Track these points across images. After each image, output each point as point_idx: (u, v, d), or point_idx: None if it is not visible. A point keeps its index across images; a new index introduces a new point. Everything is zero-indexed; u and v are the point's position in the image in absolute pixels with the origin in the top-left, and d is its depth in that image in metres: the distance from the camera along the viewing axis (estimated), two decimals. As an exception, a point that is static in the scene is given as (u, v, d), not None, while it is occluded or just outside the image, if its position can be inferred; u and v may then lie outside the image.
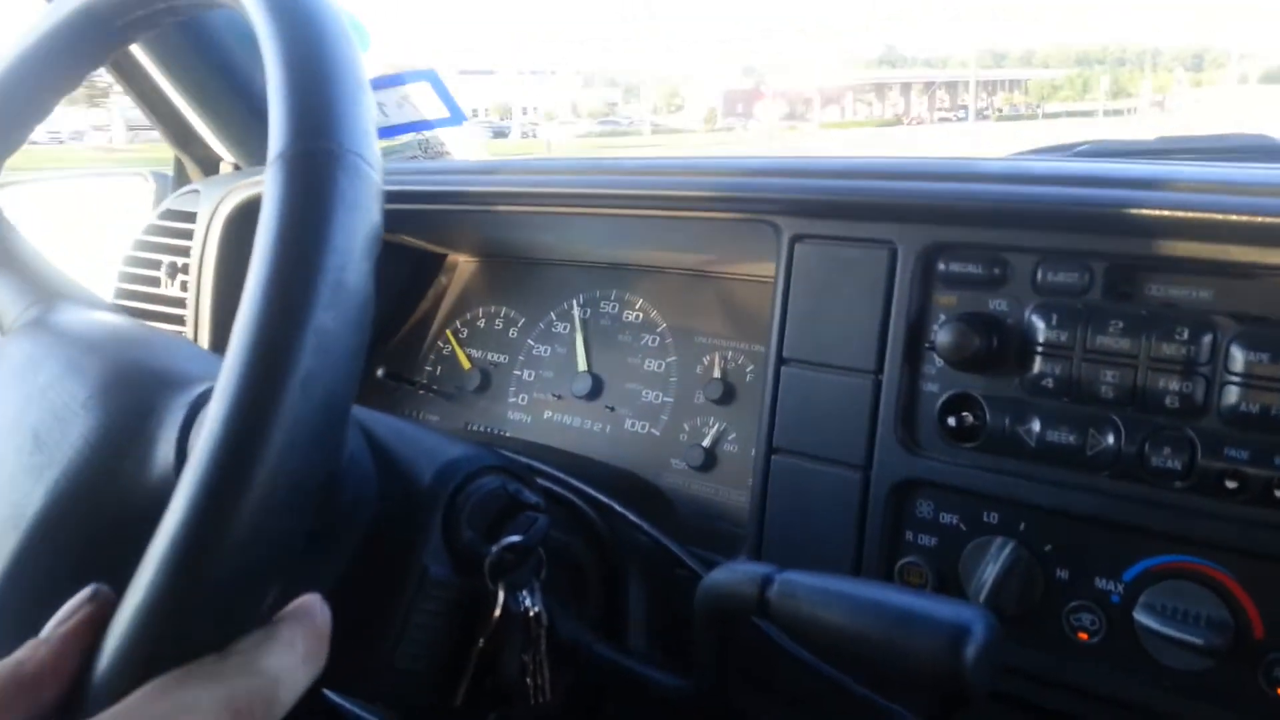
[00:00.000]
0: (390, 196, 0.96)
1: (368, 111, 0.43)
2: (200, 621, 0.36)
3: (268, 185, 0.39)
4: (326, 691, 0.80)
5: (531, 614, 0.61)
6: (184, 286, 1.06)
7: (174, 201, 1.09)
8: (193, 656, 0.35)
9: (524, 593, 0.61)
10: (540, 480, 0.79)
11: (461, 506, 0.59)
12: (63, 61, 0.61)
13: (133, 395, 0.56)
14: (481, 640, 0.60)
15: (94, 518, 0.53)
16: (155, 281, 1.09)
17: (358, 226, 0.40)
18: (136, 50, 1.01)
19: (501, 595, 0.59)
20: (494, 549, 0.59)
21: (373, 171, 0.41)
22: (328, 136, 0.40)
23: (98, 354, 0.59)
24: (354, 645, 0.58)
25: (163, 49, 1.00)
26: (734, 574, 0.55)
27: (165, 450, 0.52)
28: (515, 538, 0.60)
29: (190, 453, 0.37)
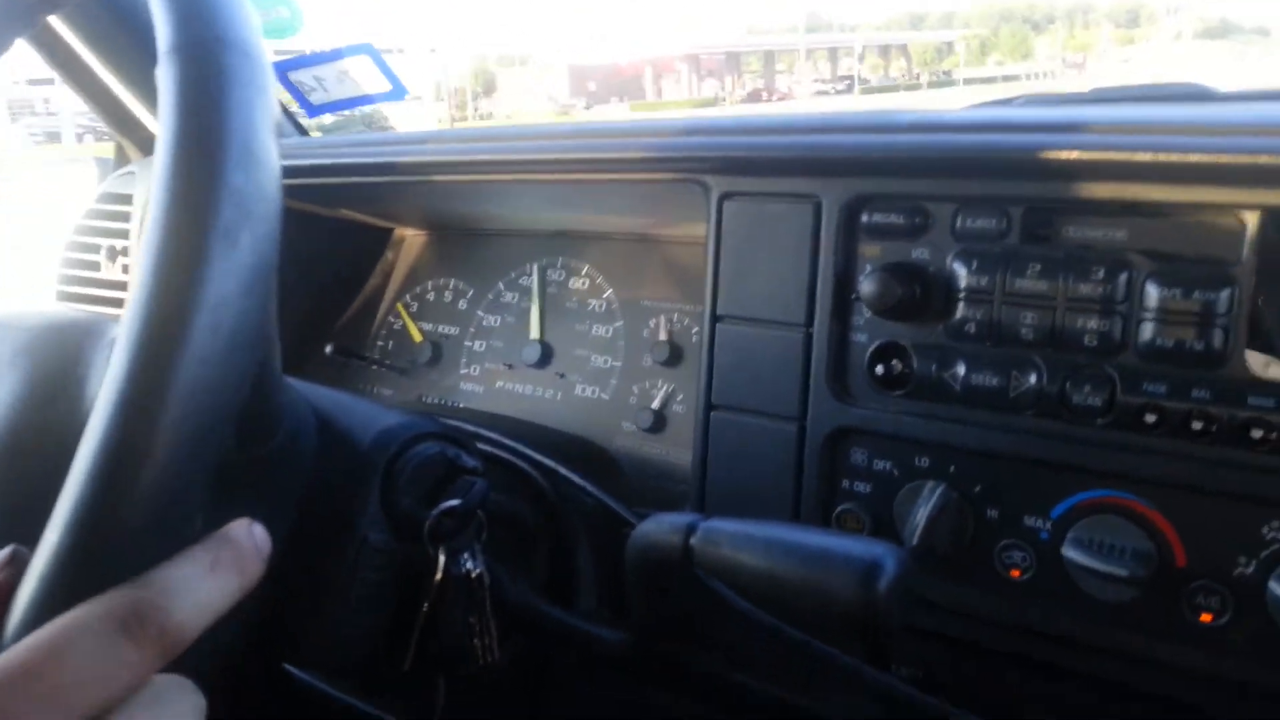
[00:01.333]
0: (330, 170, 0.96)
1: (246, 6, 0.43)
2: (118, 552, 0.36)
3: (161, 79, 0.39)
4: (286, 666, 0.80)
5: (473, 576, 0.62)
6: (125, 269, 1.05)
7: (111, 184, 1.08)
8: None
9: (465, 556, 0.62)
10: (484, 446, 0.80)
11: (399, 473, 0.60)
12: None
13: (58, 346, 0.56)
14: (426, 605, 0.60)
15: (29, 470, 0.53)
16: (96, 266, 1.08)
17: (255, 99, 0.40)
18: (68, 33, 1.00)
19: (442, 559, 0.60)
20: (432, 514, 0.59)
21: (260, 57, 0.42)
22: (213, 25, 0.40)
23: (20, 320, 0.59)
24: (296, 615, 0.58)
25: (91, 28, 0.99)
26: (660, 524, 0.56)
27: (94, 391, 0.52)
28: (454, 502, 0.60)
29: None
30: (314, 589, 0.58)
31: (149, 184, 0.40)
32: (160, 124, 0.38)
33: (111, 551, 0.35)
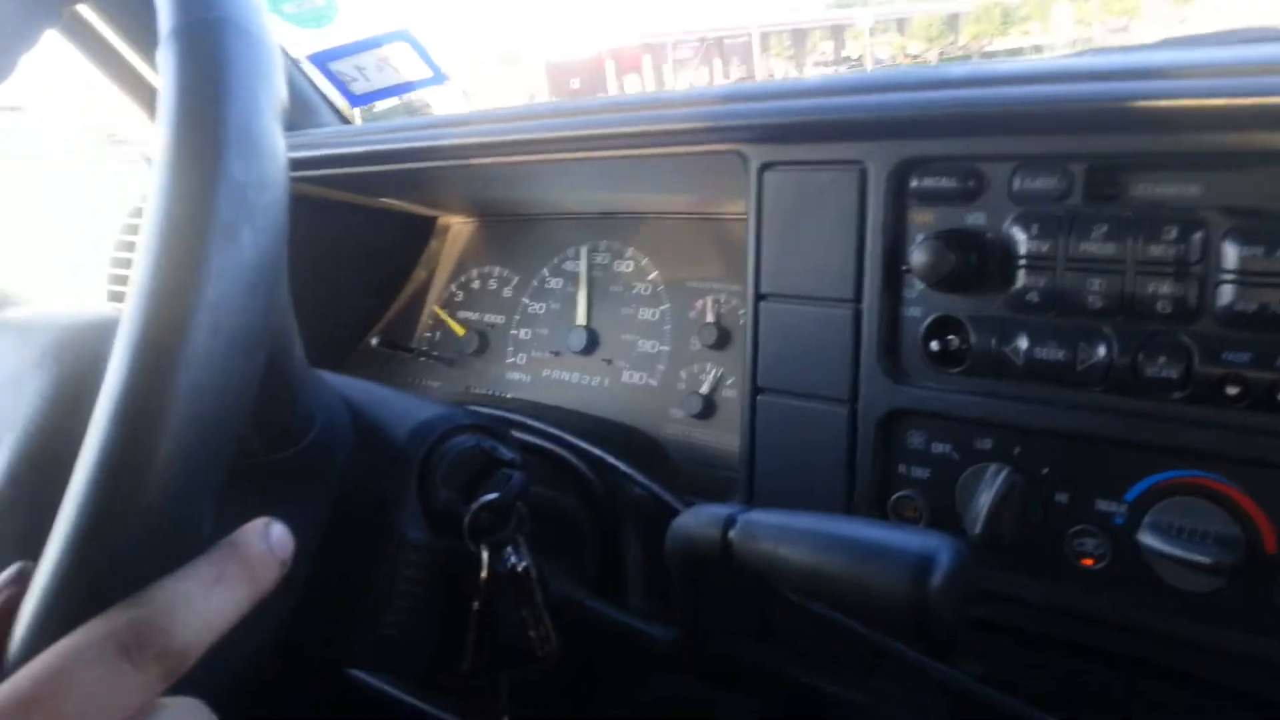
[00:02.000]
0: (368, 158, 0.94)
1: None
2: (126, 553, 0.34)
3: (161, 63, 0.37)
4: (353, 671, 0.80)
5: (520, 570, 0.60)
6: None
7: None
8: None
9: (509, 550, 0.60)
10: (527, 436, 0.78)
11: (436, 466, 0.58)
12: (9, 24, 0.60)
13: (84, 349, 0.55)
14: (476, 603, 0.59)
15: (57, 476, 0.52)
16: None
17: (258, 83, 0.38)
18: (98, 22, 1.00)
19: (486, 555, 0.58)
20: (471, 508, 0.57)
21: (265, 36, 0.40)
22: (214, 6, 0.38)
23: (44, 322, 0.58)
24: (342, 617, 0.57)
25: (121, 16, 0.98)
26: (698, 517, 0.53)
27: None
28: (492, 495, 0.58)
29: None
30: (356, 590, 0.56)
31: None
32: (158, 112, 0.37)
33: (113, 566, 0.34)
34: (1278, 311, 0.51)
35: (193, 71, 0.37)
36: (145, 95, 1.04)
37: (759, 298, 0.70)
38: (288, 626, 0.53)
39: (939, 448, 0.63)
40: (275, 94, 0.39)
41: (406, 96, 1.22)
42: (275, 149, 0.38)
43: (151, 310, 0.34)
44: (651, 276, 0.97)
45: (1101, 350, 0.56)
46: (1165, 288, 0.54)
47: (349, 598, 0.56)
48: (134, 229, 1.11)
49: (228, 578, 0.36)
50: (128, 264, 1.11)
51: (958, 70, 0.61)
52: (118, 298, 1.10)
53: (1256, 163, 0.52)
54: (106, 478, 0.33)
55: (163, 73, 0.37)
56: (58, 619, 0.33)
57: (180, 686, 0.34)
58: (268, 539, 0.39)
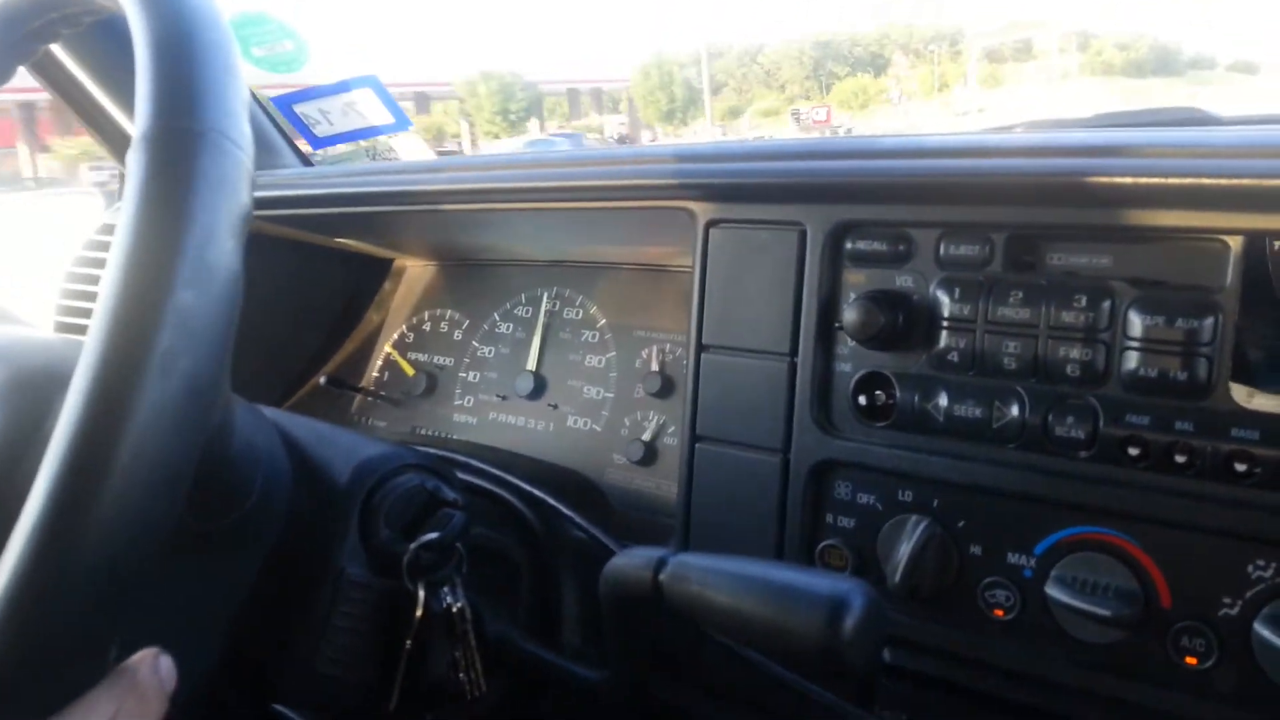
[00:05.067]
0: (328, 200, 0.96)
1: (235, 92, 0.42)
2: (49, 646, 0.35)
3: (130, 166, 0.38)
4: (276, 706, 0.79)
5: (455, 609, 0.61)
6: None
7: (111, 216, 1.09)
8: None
9: (445, 590, 0.61)
10: (469, 477, 0.79)
11: (379, 505, 0.59)
12: None
13: (33, 397, 0.55)
14: (408, 641, 0.59)
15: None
16: (93, 297, 1.08)
17: (221, 203, 0.39)
18: (66, 59, 1.01)
19: (422, 594, 0.59)
20: (411, 547, 0.58)
21: (239, 151, 0.40)
22: (190, 115, 0.39)
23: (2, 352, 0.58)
24: (276, 652, 0.57)
25: (90, 56, 0.99)
26: (631, 559, 0.55)
27: None
28: (432, 535, 0.59)
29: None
30: (292, 624, 0.57)
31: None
32: (120, 217, 0.37)
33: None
34: (1177, 378, 0.54)
35: (157, 189, 0.37)
36: (113, 134, 1.05)
37: (701, 348, 0.72)
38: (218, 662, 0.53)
39: (864, 498, 0.66)
40: (240, 209, 0.40)
41: (372, 140, 1.24)
42: (229, 272, 0.39)
43: (78, 434, 0.34)
44: (600, 324, 0.99)
45: (1015, 409, 0.59)
46: (1075, 352, 0.57)
47: (284, 631, 0.57)
48: (86, 260, 1.12)
49: (125, 713, 0.37)
50: (77, 295, 1.12)
51: (891, 142, 0.65)
52: (65, 328, 1.10)
53: (1160, 238, 0.56)
54: (19, 597, 0.34)
55: (129, 178, 0.38)
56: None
57: None
58: (158, 670, 0.40)
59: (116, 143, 1.05)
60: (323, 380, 1.10)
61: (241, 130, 0.41)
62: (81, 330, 1.08)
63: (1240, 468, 0.52)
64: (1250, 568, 0.53)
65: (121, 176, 1.21)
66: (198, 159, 0.38)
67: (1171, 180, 0.53)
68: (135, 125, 0.39)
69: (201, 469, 0.40)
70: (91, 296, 1.10)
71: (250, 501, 0.54)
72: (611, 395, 0.96)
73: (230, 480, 0.52)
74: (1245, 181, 0.50)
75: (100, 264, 1.08)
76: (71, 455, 0.34)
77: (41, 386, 0.56)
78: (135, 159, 0.38)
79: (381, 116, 1.25)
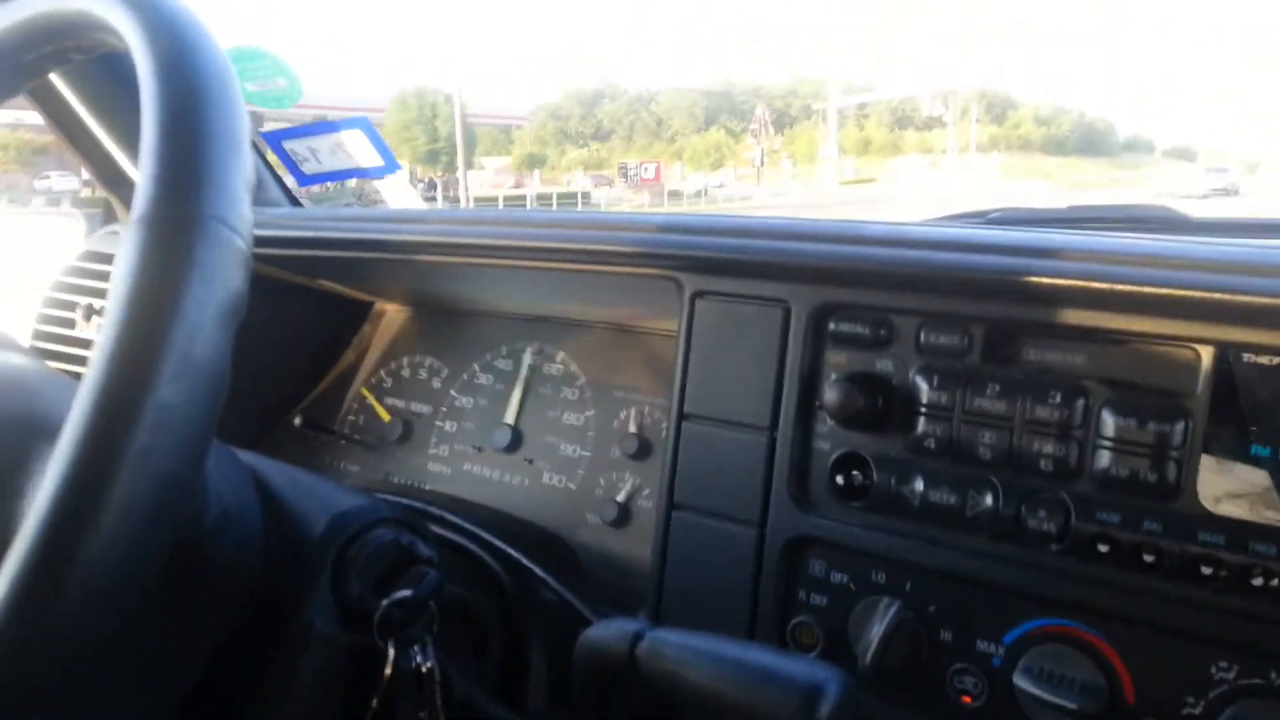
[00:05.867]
0: (313, 243, 0.96)
1: (239, 174, 0.41)
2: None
3: (123, 248, 0.38)
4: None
5: (424, 670, 0.60)
6: (100, 329, 1.04)
7: (93, 242, 1.08)
8: None
9: (415, 649, 0.60)
10: (444, 532, 0.79)
11: (353, 560, 0.58)
12: None
13: (6, 445, 0.55)
14: (374, 700, 0.59)
15: None
16: (71, 323, 1.08)
17: (212, 296, 0.38)
18: (64, 87, 1.01)
19: (392, 652, 0.58)
20: (383, 604, 0.58)
21: (237, 237, 0.40)
22: (191, 201, 0.39)
23: None
24: (233, 700, 0.57)
25: (88, 86, 1.00)
26: (608, 630, 0.55)
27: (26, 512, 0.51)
28: (405, 592, 0.59)
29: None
30: (256, 676, 0.56)
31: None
32: (109, 299, 0.37)
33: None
34: (1147, 479, 0.56)
35: (149, 280, 0.37)
36: (105, 166, 1.05)
37: (682, 416, 0.73)
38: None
39: (838, 577, 0.67)
40: (232, 299, 0.39)
41: (360, 183, 1.25)
42: (215, 365, 0.38)
43: (49, 525, 0.35)
44: (579, 382, 1.00)
45: (989, 499, 0.60)
46: (1049, 447, 0.59)
47: (248, 684, 0.56)
48: (65, 286, 1.11)
49: None
50: (55, 320, 1.11)
51: (877, 229, 0.67)
52: (40, 355, 1.09)
53: (1135, 341, 0.58)
54: (27, 594, 0.34)
55: (124, 259, 0.37)
56: None
57: None
58: None
59: (108, 174, 1.05)
60: (297, 421, 1.10)
61: (241, 215, 0.41)
62: (55, 358, 1.08)
63: (1206, 570, 0.54)
64: (1214, 669, 0.54)
65: (106, 207, 1.21)
66: (191, 249, 0.38)
67: (1147, 289, 0.55)
68: (134, 207, 0.39)
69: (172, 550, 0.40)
70: (70, 323, 1.10)
71: (217, 569, 0.53)
72: (588, 454, 0.96)
73: (200, 554, 0.52)
74: (1217, 295, 0.52)
75: (81, 291, 1.08)
76: (36, 553, 0.34)
77: (15, 434, 0.55)
78: (131, 239, 0.38)
79: (370, 158, 1.26)
